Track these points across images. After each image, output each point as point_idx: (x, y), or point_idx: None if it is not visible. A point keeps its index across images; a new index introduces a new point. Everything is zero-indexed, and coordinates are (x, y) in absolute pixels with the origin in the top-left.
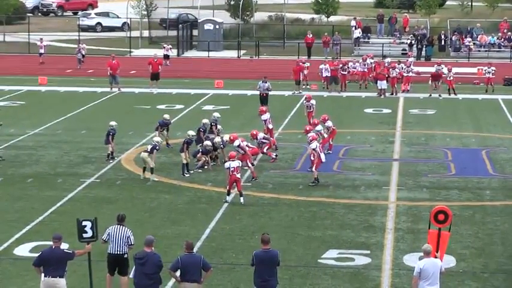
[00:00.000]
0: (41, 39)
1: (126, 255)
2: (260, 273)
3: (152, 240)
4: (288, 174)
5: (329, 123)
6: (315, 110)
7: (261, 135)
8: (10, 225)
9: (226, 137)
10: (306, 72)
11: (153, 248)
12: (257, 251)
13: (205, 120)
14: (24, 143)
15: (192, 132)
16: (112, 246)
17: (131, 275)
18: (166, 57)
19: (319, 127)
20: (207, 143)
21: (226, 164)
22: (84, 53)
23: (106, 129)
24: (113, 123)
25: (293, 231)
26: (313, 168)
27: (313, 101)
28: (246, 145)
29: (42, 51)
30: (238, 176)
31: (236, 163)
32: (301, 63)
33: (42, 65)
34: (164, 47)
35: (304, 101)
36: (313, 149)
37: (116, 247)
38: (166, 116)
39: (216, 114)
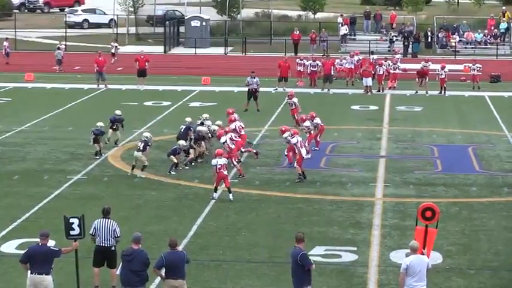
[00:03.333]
0: (6, 38)
1: (113, 248)
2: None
3: (140, 237)
4: (275, 171)
5: (317, 120)
6: (298, 107)
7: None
8: None
9: (214, 127)
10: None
11: (140, 245)
12: (291, 249)
13: (189, 119)
14: (10, 139)
15: (183, 142)
16: (99, 239)
17: (118, 271)
18: (113, 54)
19: (307, 123)
20: (182, 142)
21: (214, 161)
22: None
23: (91, 128)
24: (99, 124)
25: (280, 228)
26: (296, 164)
27: (295, 99)
28: (231, 138)
29: (8, 50)
30: (225, 173)
31: (223, 160)
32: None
33: (8, 66)
34: (111, 45)
35: (286, 99)
36: (294, 144)
37: (103, 240)
38: (118, 112)
39: (205, 115)
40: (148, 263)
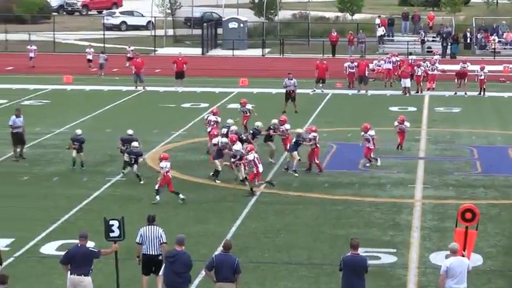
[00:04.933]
0: (31, 42)
1: (160, 256)
2: (348, 278)
3: (183, 238)
4: (313, 172)
5: (287, 126)
6: (251, 115)
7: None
8: (36, 223)
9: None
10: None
11: (183, 247)
12: (345, 255)
13: (230, 121)
14: (49, 141)
15: (224, 140)
16: (146, 247)
17: (161, 273)
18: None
19: (287, 125)
20: (223, 140)
21: (162, 164)
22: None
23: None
24: (129, 131)
25: (318, 230)
26: (246, 181)
27: (248, 106)
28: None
29: (32, 55)
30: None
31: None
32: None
33: (33, 69)
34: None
35: (240, 106)
36: (250, 160)
37: (150, 248)
38: (130, 132)
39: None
40: (191, 265)
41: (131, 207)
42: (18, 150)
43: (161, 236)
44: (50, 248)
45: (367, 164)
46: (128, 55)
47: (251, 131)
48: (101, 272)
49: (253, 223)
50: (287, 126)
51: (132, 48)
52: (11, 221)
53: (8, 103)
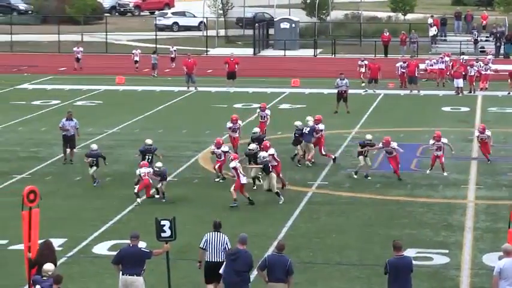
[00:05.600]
0: (78, 43)
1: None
2: (394, 281)
3: (246, 238)
4: (365, 172)
5: (321, 126)
6: (268, 120)
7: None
8: (89, 223)
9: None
10: (363, 70)
11: (245, 246)
12: (390, 258)
13: (298, 123)
14: (102, 141)
15: (253, 146)
16: (210, 254)
17: (221, 271)
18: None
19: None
20: (252, 146)
21: (140, 171)
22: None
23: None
24: (148, 141)
25: (371, 230)
26: (232, 189)
27: (268, 111)
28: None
29: (79, 56)
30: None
31: (148, 169)
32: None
33: (83, 70)
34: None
35: (259, 110)
36: (233, 168)
37: (215, 255)
38: (149, 141)
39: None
40: (252, 264)
41: (182, 207)
42: (68, 152)
43: (227, 243)
44: (102, 248)
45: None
46: (172, 55)
47: (244, 153)
48: (153, 272)
49: (304, 224)
50: (321, 126)
51: (174, 48)
52: (63, 221)
53: (60, 104)
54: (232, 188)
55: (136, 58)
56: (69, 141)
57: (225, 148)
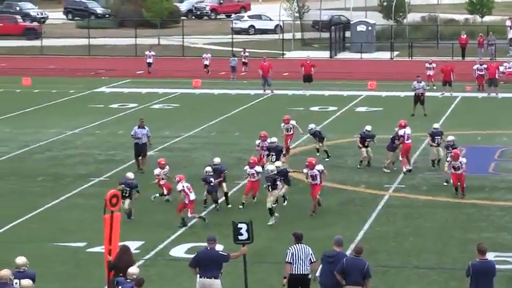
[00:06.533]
0: (151, 47)
1: (309, 275)
2: (476, 285)
3: (342, 240)
4: (443, 176)
5: (407, 131)
6: (294, 133)
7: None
8: (166, 226)
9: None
10: (432, 72)
11: (341, 248)
12: (473, 261)
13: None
14: (178, 145)
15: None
16: (295, 266)
17: (317, 273)
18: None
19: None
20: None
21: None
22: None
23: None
24: (217, 160)
25: (448, 234)
26: (189, 214)
27: (293, 122)
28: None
29: (150, 60)
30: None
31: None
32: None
33: (150, 74)
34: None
35: (283, 124)
36: (180, 191)
37: (300, 268)
38: (130, 175)
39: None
40: None
41: (258, 210)
42: (140, 160)
43: (311, 254)
44: (179, 251)
45: None
46: (244, 60)
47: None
48: (230, 275)
49: (381, 227)
50: (407, 130)
51: (246, 53)
52: (140, 224)
53: (137, 107)
54: (189, 212)
55: (206, 62)
56: (141, 149)
57: (258, 168)
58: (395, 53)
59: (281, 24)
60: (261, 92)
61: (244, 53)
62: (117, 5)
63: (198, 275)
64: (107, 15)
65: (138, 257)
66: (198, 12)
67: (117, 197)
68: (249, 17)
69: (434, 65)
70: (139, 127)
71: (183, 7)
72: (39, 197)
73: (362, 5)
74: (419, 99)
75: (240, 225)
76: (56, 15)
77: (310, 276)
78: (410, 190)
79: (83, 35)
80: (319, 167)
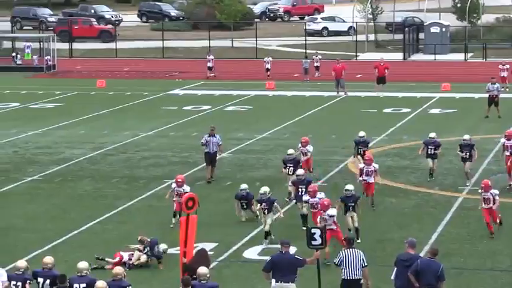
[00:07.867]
0: (210, 51)
1: (361, 280)
2: None
3: (415, 242)
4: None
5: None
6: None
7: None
8: (239, 228)
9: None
10: (505, 74)
11: (415, 250)
12: None
13: (433, 134)
14: (252, 147)
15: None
16: (346, 271)
17: (392, 277)
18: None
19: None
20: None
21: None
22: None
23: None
24: (244, 186)
25: None
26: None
27: (309, 148)
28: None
29: (210, 64)
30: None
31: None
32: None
33: (213, 78)
34: (264, 61)
35: (300, 146)
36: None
37: (351, 272)
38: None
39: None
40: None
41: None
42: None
43: (363, 259)
44: (252, 253)
45: None
46: (316, 64)
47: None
48: (302, 276)
49: (455, 229)
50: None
51: (319, 56)
52: (215, 225)
53: (211, 109)
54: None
55: (268, 66)
56: (211, 158)
57: (321, 195)
58: (470, 54)
59: (354, 26)
60: (335, 93)
61: (316, 55)
62: (190, 7)
63: (274, 279)
64: (181, 18)
65: (212, 259)
66: (272, 15)
67: (193, 200)
68: (322, 19)
69: (507, 66)
70: (209, 135)
71: (257, 9)
72: (114, 198)
73: (436, 7)
74: (493, 100)
75: (313, 231)
76: (130, 18)
77: (362, 281)
78: None
79: (157, 37)
80: (333, 211)
